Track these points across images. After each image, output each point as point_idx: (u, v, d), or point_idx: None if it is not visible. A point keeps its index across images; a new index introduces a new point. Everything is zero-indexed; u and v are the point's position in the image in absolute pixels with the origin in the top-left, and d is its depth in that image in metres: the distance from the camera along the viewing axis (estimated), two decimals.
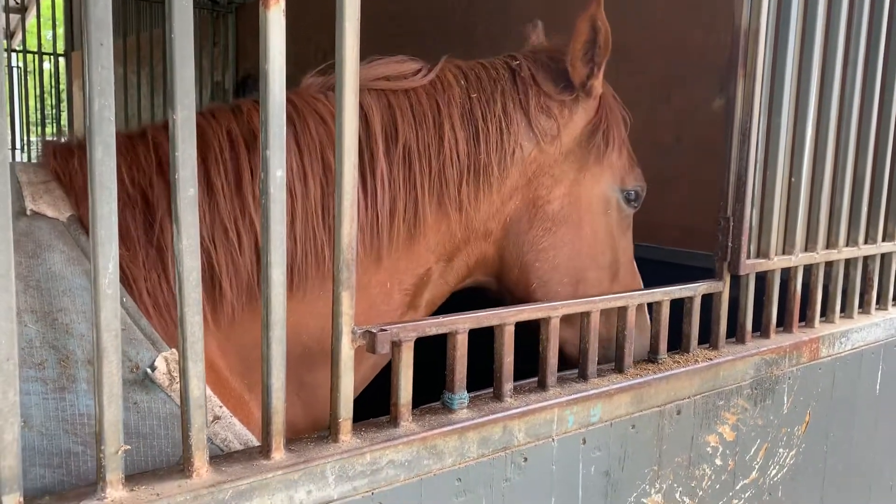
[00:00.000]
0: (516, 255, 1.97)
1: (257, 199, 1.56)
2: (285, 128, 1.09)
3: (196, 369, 1.05)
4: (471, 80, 1.90)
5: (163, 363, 1.32)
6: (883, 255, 2.43)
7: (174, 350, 1.35)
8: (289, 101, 1.67)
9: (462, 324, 1.39)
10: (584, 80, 1.95)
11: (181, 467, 1.07)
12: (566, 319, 1.70)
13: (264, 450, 1.15)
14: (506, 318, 1.45)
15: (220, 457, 1.14)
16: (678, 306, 1.83)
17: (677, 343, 1.87)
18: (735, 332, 1.97)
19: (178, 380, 1.33)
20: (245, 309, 1.58)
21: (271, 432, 1.14)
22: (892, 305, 2.49)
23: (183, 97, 0.99)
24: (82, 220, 1.46)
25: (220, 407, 1.40)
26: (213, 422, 1.38)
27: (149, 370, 1.32)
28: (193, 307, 1.04)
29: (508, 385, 1.48)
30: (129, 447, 1.01)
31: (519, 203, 1.94)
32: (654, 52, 3.28)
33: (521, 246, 1.96)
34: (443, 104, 1.82)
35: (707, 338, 1.91)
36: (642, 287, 2.15)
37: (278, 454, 1.14)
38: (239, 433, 1.41)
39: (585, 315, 1.61)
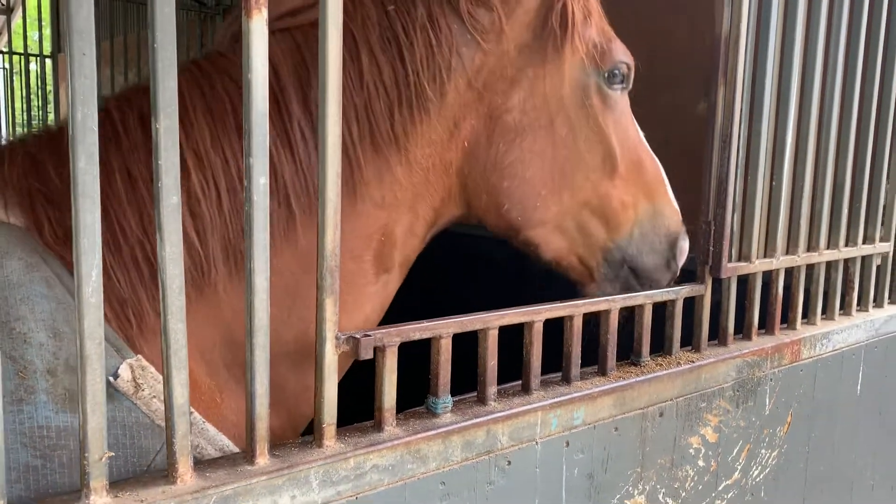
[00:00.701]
0: (481, 179, 1.72)
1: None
2: (268, 133, 1.10)
3: (180, 377, 1.06)
4: None
5: (127, 371, 1.29)
6: (863, 258, 2.46)
7: (139, 356, 1.33)
8: (196, 65, 1.55)
9: (446, 328, 1.40)
10: None
11: (165, 473, 1.08)
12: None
13: (248, 455, 1.16)
14: (489, 322, 1.47)
15: (205, 462, 1.15)
16: (661, 309, 1.85)
17: (660, 346, 1.89)
18: (717, 335, 1.99)
19: (143, 388, 1.30)
20: (194, 301, 1.46)
21: (255, 438, 1.15)
22: (873, 307, 2.53)
23: (166, 106, 1.00)
24: (28, 227, 1.39)
25: (191, 413, 1.35)
26: None
27: (111, 378, 1.27)
28: (177, 315, 1.04)
29: (492, 389, 1.49)
30: (112, 454, 1.02)
31: (475, 121, 1.68)
32: (639, 51, 3.30)
33: (483, 169, 1.71)
34: (357, 29, 1.56)
35: (689, 340, 1.93)
36: (661, 172, 1.94)
37: (262, 459, 1.15)
38: (213, 438, 1.38)
39: (569, 319, 1.63)
